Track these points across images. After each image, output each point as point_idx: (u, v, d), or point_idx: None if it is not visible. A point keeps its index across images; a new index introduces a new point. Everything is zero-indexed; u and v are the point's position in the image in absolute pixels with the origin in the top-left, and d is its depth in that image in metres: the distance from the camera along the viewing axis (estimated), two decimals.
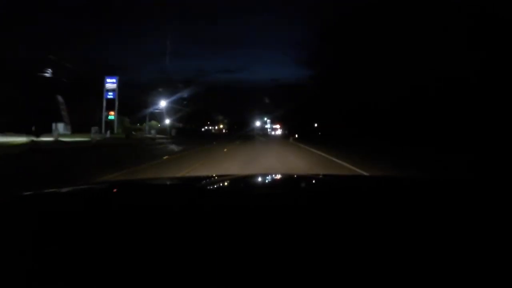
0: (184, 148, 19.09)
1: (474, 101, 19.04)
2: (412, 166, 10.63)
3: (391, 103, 27.99)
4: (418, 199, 1.19)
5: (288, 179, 2.02)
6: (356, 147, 19.73)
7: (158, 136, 45.14)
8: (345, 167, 10.12)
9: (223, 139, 38.22)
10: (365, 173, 8.25)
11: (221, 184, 1.68)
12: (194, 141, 29.18)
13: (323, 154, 15.09)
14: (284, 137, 54.18)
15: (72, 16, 74.66)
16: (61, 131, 36.55)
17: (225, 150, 17.68)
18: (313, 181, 1.82)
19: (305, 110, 61.38)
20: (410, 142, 20.41)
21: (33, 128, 27.30)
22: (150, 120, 58.82)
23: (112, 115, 45.58)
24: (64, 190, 1.40)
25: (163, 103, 57.14)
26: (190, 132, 64.05)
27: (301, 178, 2.21)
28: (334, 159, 12.74)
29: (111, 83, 46.36)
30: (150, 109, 55.52)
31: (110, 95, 46.10)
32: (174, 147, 20.43)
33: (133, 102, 51.00)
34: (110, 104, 45.78)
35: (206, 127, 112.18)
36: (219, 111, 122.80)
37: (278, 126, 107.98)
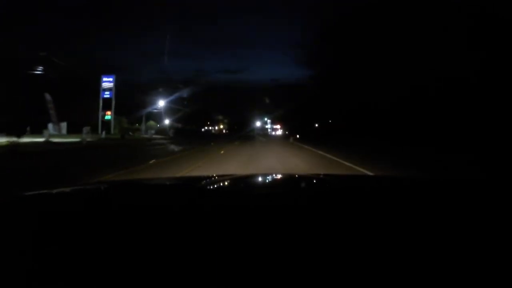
0: (179, 150, 18.16)
1: (474, 101, 19.06)
2: (412, 166, 10.63)
3: (391, 103, 28.02)
4: (418, 199, 1.19)
5: (288, 179, 2.02)
6: (357, 147, 19.68)
7: (155, 136, 44.66)
8: (350, 167, 10.11)
9: (222, 140, 37.13)
10: (368, 173, 8.25)
11: (221, 184, 1.68)
12: (192, 141, 28.08)
13: (329, 155, 14.86)
14: (284, 137, 53.99)
15: (72, 16, 74.90)
16: (55, 131, 36.36)
17: (222, 152, 16.29)
18: (313, 181, 1.82)
19: (305, 110, 61.52)
20: (410, 142, 20.41)
21: (28, 129, 27.00)
22: (148, 120, 58.20)
23: (108, 115, 44.29)
24: (64, 190, 1.40)
25: (162, 103, 56.42)
26: (189, 133, 63.27)
27: (301, 178, 2.21)
28: (337, 159, 12.73)
29: (107, 82, 44.91)
30: (148, 109, 54.83)
31: (106, 95, 44.66)
32: (168, 149, 19.41)
33: (132, 102, 50.32)
34: (107, 104, 44.44)
35: (206, 128, 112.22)
36: (219, 111, 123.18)
37: (278, 126, 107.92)
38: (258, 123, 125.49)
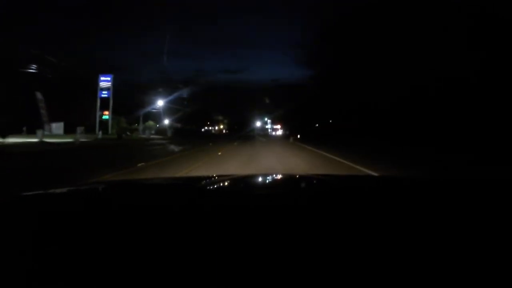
0: (174, 151, 17.38)
1: (474, 101, 19.06)
2: (412, 166, 10.64)
3: (391, 103, 28.02)
4: (418, 199, 1.19)
5: (287, 179, 2.02)
6: (357, 147, 19.65)
7: (153, 136, 44.03)
8: (351, 167, 10.10)
9: (221, 140, 36.43)
10: (369, 172, 8.24)
11: (221, 184, 1.68)
12: (190, 142, 27.00)
13: (329, 155, 14.70)
14: (284, 137, 53.83)
15: (72, 16, 74.88)
16: (53, 131, 36.04)
17: (219, 153, 15.31)
18: (313, 181, 1.82)
19: (305, 110, 61.55)
20: (410, 142, 20.41)
21: (24, 129, 26.72)
22: (147, 120, 57.67)
23: (106, 115, 43.30)
24: (64, 190, 1.40)
25: (161, 103, 55.72)
26: (188, 133, 62.57)
27: (301, 178, 2.21)
28: (339, 159, 12.71)
29: (105, 81, 43.86)
30: (146, 109, 54.18)
31: (104, 94, 43.65)
32: (163, 150, 18.43)
33: (131, 102, 49.85)
34: (105, 104, 43.49)
35: (206, 128, 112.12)
36: (219, 111, 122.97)
37: (278, 126, 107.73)
38: (258, 123, 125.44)
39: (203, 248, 0.64)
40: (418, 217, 0.88)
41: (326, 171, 8.82)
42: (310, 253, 0.62)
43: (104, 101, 43.70)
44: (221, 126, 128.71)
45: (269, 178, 2.06)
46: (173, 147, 20.24)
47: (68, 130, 34.93)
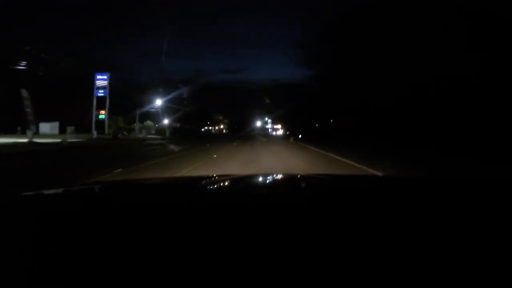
0: (168, 152, 16.23)
1: (474, 101, 19.06)
2: (412, 166, 10.63)
3: (391, 103, 28.02)
4: (418, 199, 1.19)
5: (288, 179, 2.02)
6: (357, 147, 19.58)
7: (150, 136, 43.32)
8: (354, 166, 10.11)
9: (220, 140, 35.42)
10: (372, 171, 8.24)
11: (221, 184, 1.68)
12: (187, 142, 25.86)
13: (332, 155, 14.59)
14: (285, 137, 53.62)
15: (72, 16, 74.86)
16: (47, 131, 35.52)
17: (214, 156, 13.77)
18: (313, 181, 1.82)
19: (305, 110, 61.57)
20: (410, 142, 20.40)
21: (19, 128, 26.41)
22: (145, 120, 57.10)
23: (102, 114, 42.02)
24: (64, 190, 1.40)
25: (159, 103, 54.77)
26: (188, 133, 61.45)
27: (300, 178, 2.21)
28: (342, 159, 12.71)
29: (101, 80, 42.55)
30: (144, 109, 53.11)
31: (100, 93, 42.31)
32: (156, 151, 17.24)
33: (130, 101, 49.19)
34: (102, 103, 42.16)
35: (206, 127, 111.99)
36: (219, 111, 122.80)
37: (279, 126, 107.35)
38: (258, 123, 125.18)
39: (203, 248, 0.64)
40: (418, 217, 0.88)
41: (329, 171, 8.80)
42: (310, 253, 0.62)
43: (101, 100, 42.47)
44: (221, 126, 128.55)
45: (269, 178, 2.06)
46: (166, 148, 19.28)
47: (65, 130, 34.63)
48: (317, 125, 59.29)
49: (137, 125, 51.39)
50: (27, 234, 0.73)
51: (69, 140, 25.14)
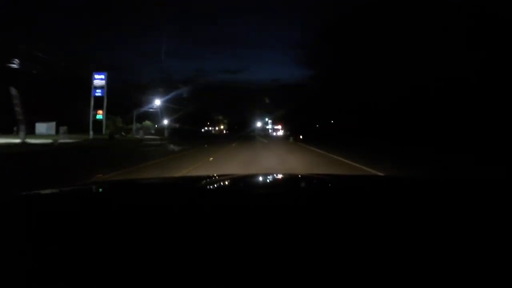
0: (160, 154, 15.17)
1: (474, 101, 19.06)
2: (412, 166, 10.64)
3: (391, 103, 28.03)
4: (418, 199, 1.19)
5: (288, 179, 2.02)
6: (358, 147, 19.60)
7: (148, 137, 42.85)
8: (357, 167, 10.10)
9: (219, 141, 34.48)
10: (375, 172, 8.24)
11: (221, 184, 1.68)
12: (185, 143, 24.65)
13: (336, 157, 14.51)
14: (286, 137, 53.39)
15: (72, 16, 74.92)
16: (44, 132, 34.90)
17: (211, 159, 12.45)
18: (313, 181, 1.82)
19: (306, 110, 61.60)
20: (410, 142, 20.40)
21: (15, 129, 25.89)
22: (144, 120, 56.68)
23: (100, 114, 40.32)
24: (64, 190, 1.40)
25: (158, 103, 54.04)
26: (187, 133, 60.68)
27: (301, 178, 2.21)
28: (349, 161, 12.69)
29: (99, 79, 40.63)
30: (142, 109, 52.26)
31: (98, 93, 40.64)
32: (150, 153, 16.31)
33: (129, 102, 48.82)
34: (99, 103, 40.61)
35: (206, 128, 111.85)
36: (219, 111, 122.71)
37: (279, 126, 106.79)
38: (259, 123, 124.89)
39: (203, 248, 0.64)
40: (418, 217, 0.88)
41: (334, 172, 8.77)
42: (310, 253, 0.62)
43: (98, 100, 41.13)
44: (222, 126, 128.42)
45: (269, 178, 2.06)
46: (160, 150, 18.42)
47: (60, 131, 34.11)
48: (317, 125, 59.32)
49: (134, 126, 50.36)
50: (27, 234, 0.73)
51: (61, 141, 24.14)
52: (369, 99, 31.88)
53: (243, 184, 1.71)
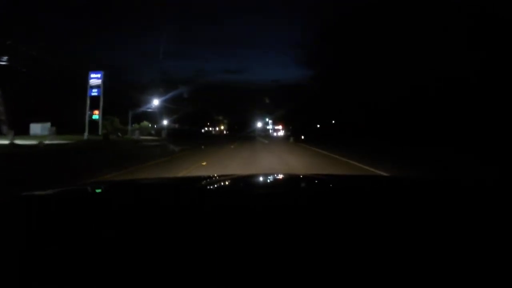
0: (149, 157, 13.77)
1: (474, 101, 19.05)
2: (412, 166, 10.63)
3: (391, 103, 28.02)
4: (418, 199, 1.19)
5: (288, 179, 2.02)
6: (359, 147, 19.54)
7: (146, 137, 42.15)
8: (361, 168, 10.10)
9: (218, 141, 33.01)
10: (377, 172, 8.25)
11: (221, 184, 1.68)
12: (181, 144, 22.76)
13: (338, 156, 14.66)
14: (286, 138, 53.13)
15: (72, 16, 74.86)
16: (38, 132, 33.73)
17: (203, 163, 10.78)
18: (313, 181, 1.82)
19: (306, 110, 61.57)
20: (410, 142, 20.38)
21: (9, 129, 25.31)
22: (142, 121, 56.12)
23: (96, 115, 39.45)
24: (64, 189, 1.41)
25: (157, 103, 53.06)
26: (186, 133, 59.35)
27: (301, 178, 2.21)
28: (354, 162, 12.66)
29: (95, 78, 39.78)
30: (139, 109, 51.37)
31: (94, 92, 39.51)
32: (138, 156, 14.92)
33: (129, 102, 48.27)
34: (95, 103, 39.31)
35: (206, 128, 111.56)
36: (219, 111, 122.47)
37: (280, 126, 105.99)
38: (259, 124, 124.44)
39: (203, 248, 0.64)
40: (418, 218, 0.88)
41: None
42: (310, 253, 0.62)
43: (95, 100, 40.01)
44: (222, 127, 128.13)
45: (269, 178, 2.06)
46: (153, 152, 17.35)
47: (60, 131, 33.02)
48: (318, 125, 59.29)
49: (129, 126, 49.37)
50: (27, 234, 0.72)
51: (47, 142, 22.75)
52: (369, 99, 31.89)
53: (243, 184, 1.71)
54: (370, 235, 0.73)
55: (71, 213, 0.93)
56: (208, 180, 1.74)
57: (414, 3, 24.84)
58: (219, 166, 10.50)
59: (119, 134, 42.33)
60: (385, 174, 7.84)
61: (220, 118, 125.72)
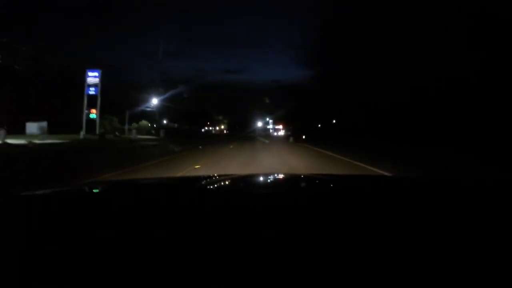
0: (141, 158, 12.67)
1: (474, 101, 19.05)
2: (411, 166, 10.62)
3: (391, 103, 28.02)
4: (418, 199, 1.19)
5: (288, 179, 2.02)
6: (359, 147, 19.48)
7: (143, 137, 41.64)
8: (362, 167, 10.09)
9: (218, 142, 31.90)
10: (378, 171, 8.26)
11: (221, 184, 1.68)
12: (179, 144, 21.43)
13: (340, 156, 14.68)
14: (287, 138, 53.08)
15: (72, 16, 74.84)
16: (35, 131, 33.20)
17: (196, 167, 9.65)
18: (313, 181, 1.82)
19: (306, 110, 61.56)
20: (410, 142, 20.36)
21: (5, 128, 25.04)
22: (141, 120, 55.89)
23: (93, 114, 38.88)
24: (64, 189, 1.41)
25: (156, 102, 52.69)
26: (185, 133, 58.95)
27: (301, 178, 2.21)
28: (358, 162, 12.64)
29: (93, 77, 39.06)
30: (139, 109, 50.92)
31: (91, 91, 38.85)
32: (131, 157, 14.15)
33: (128, 101, 48.04)
34: (93, 102, 38.73)
35: (206, 128, 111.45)
36: (219, 111, 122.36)
37: (280, 126, 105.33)
38: (259, 124, 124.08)
39: (203, 248, 0.64)
40: (418, 217, 0.88)
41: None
42: (310, 253, 0.62)
43: (92, 99, 39.32)
44: (222, 127, 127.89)
45: (269, 178, 2.06)
46: (147, 152, 16.64)
47: (57, 131, 32.02)
48: (318, 125, 59.29)
49: (127, 126, 48.45)
50: (27, 234, 0.72)
51: (40, 141, 21.58)
52: (369, 99, 31.89)
53: (243, 184, 1.71)
54: (370, 235, 0.73)
55: (71, 213, 0.93)
56: (207, 180, 1.74)
57: (414, 3, 24.85)
58: (217, 167, 9.84)
59: (117, 133, 42.02)
60: (385, 173, 7.85)
61: (220, 118, 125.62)
